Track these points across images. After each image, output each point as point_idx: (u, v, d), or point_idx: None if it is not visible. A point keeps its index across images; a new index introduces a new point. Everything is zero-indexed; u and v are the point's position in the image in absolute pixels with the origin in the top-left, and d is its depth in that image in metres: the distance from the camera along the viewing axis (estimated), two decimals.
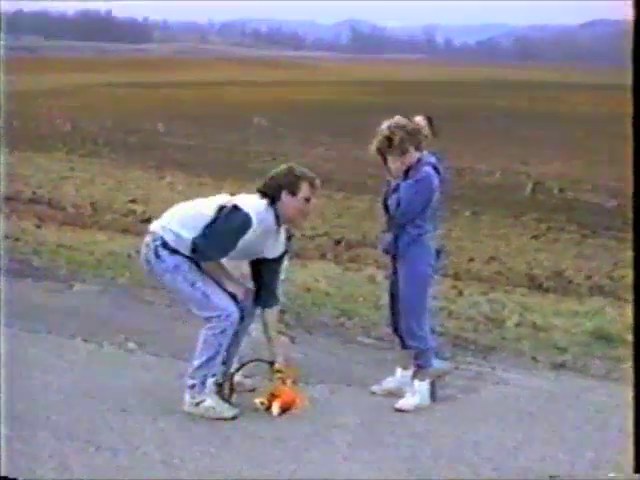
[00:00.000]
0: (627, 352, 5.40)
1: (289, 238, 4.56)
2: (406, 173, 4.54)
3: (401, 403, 4.58)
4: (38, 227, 9.38)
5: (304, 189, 4.34)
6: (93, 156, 17.44)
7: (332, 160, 17.30)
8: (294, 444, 4.10)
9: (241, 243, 4.29)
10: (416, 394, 4.60)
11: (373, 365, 5.18)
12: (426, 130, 4.55)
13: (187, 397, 4.41)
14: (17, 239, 8.41)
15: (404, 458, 4.01)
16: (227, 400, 4.46)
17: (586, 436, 4.32)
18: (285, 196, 4.33)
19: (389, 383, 4.77)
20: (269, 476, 3.81)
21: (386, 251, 4.69)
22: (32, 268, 7.35)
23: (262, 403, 4.45)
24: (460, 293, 7.06)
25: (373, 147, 4.54)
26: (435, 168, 4.55)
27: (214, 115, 26.37)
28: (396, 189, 4.55)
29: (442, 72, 63.01)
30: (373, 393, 4.74)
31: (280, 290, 4.64)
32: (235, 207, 4.30)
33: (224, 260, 4.45)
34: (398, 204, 4.51)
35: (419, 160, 4.53)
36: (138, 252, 4.65)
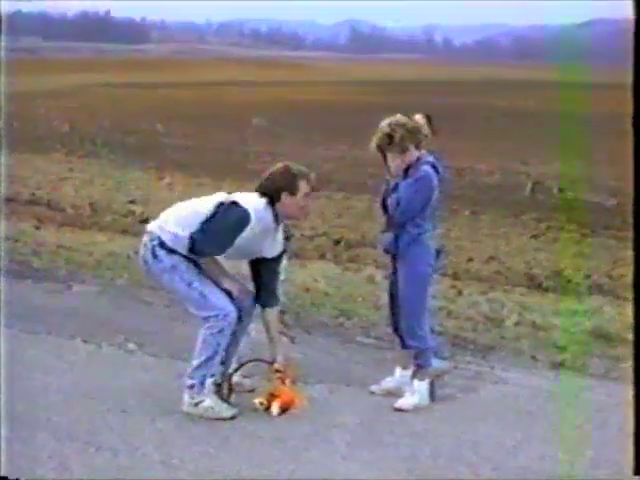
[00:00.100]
0: (626, 351, 5.41)
1: (287, 238, 4.57)
2: (405, 172, 4.54)
3: (400, 403, 4.58)
4: (37, 228, 9.38)
5: (302, 187, 4.36)
6: (92, 157, 17.42)
7: (331, 160, 17.29)
8: (293, 444, 4.11)
9: (239, 241, 4.29)
10: (415, 394, 4.61)
11: (372, 365, 5.19)
12: (426, 129, 4.56)
13: (186, 397, 4.41)
14: (16, 240, 8.41)
15: (403, 458, 4.01)
16: (226, 400, 4.46)
17: (585, 435, 4.33)
18: (285, 197, 4.34)
19: (388, 383, 4.77)
20: (268, 476, 3.82)
21: (386, 251, 4.70)
22: (31, 269, 7.36)
23: (261, 403, 4.45)
24: (459, 293, 7.06)
25: (373, 144, 4.55)
26: (434, 167, 4.55)
27: (213, 115, 26.35)
28: (395, 188, 4.55)
29: (441, 72, 63.01)
30: (372, 393, 4.75)
31: (280, 290, 4.64)
32: (234, 203, 4.31)
33: (225, 262, 4.46)
34: (398, 203, 4.51)
35: (418, 159, 4.54)
36: (137, 253, 4.65)
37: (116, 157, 17.13)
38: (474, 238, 10.39)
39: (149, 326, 5.84)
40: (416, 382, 4.63)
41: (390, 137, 4.49)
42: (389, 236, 4.63)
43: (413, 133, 4.51)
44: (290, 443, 4.11)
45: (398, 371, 4.79)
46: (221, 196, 4.40)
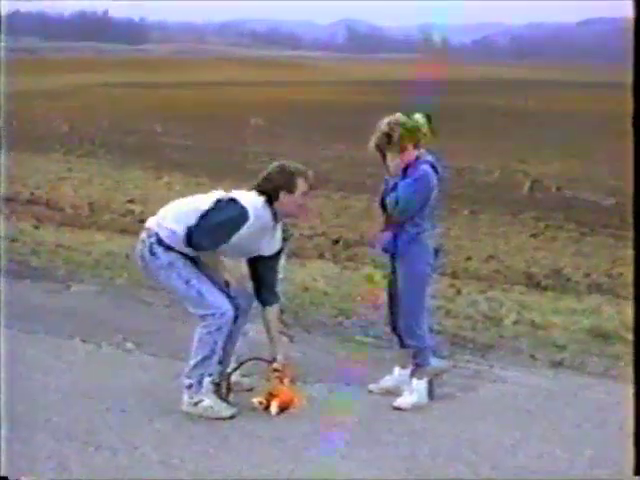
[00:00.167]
0: (625, 350, 5.42)
1: (285, 239, 4.56)
2: (404, 171, 4.54)
3: (399, 401, 4.58)
4: (36, 228, 9.39)
5: (300, 185, 4.36)
6: (91, 157, 17.44)
7: (330, 160, 17.32)
8: (292, 443, 4.11)
9: (237, 239, 4.29)
10: (414, 392, 4.61)
11: (371, 364, 5.18)
12: (425, 128, 4.56)
13: (185, 397, 4.41)
14: (15, 240, 8.42)
15: (402, 456, 4.01)
16: (225, 399, 4.46)
17: (584, 434, 4.33)
18: (284, 196, 4.34)
19: (387, 382, 4.77)
20: (268, 475, 3.82)
21: (385, 250, 4.70)
22: (30, 269, 7.36)
23: (260, 402, 4.45)
24: (458, 292, 7.07)
25: (372, 143, 4.55)
26: (433, 166, 4.56)
27: (212, 115, 26.36)
28: (394, 188, 4.55)
29: (439, 71, 62.97)
30: (371, 392, 4.75)
31: (279, 289, 4.65)
32: (232, 200, 4.31)
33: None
34: (397, 203, 4.51)
35: (417, 158, 4.54)
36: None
37: (115, 157, 17.16)
38: (473, 237, 10.42)
39: (148, 326, 5.85)
40: (415, 381, 4.63)
41: (389, 136, 4.49)
42: (388, 235, 4.63)
43: (412, 132, 4.51)
44: (289, 442, 4.11)
45: (397, 370, 4.79)
46: (219, 193, 4.41)
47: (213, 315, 4.34)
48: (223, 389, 4.49)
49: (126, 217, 10.62)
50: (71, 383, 4.77)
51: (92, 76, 45.28)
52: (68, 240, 8.70)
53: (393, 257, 4.66)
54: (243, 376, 4.68)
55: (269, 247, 4.46)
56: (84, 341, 5.47)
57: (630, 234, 7.91)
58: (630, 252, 6.73)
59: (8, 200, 11.14)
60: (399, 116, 4.55)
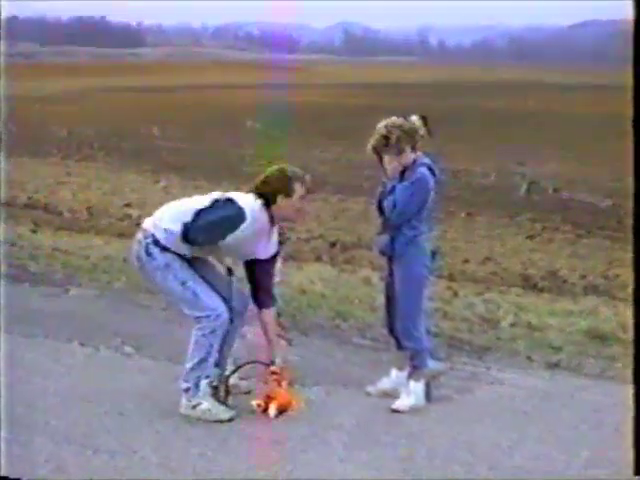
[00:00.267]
0: (621, 351, 5.44)
1: (281, 242, 4.58)
2: (402, 174, 4.56)
3: (397, 404, 4.59)
4: (34, 232, 9.40)
5: (298, 189, 4.38)
6: (89, 161, 17.46)
7: (327, 163, 17.35)
8: (291, 445, 4.12)
9: (234, 240, 4.30)
10: (411, 395, 4.62)
11: (369, 366, 5.20)
12: (422, 130, 4.58)
13: (183, 400, 4.42)
14: (13, 244, 8.42)
15: (400, 458, 4.02)
16: (223, 402, 4.47)
17: (581, 435, 4.34)
18: (281, 200, 4.36)
19: (384, 384, 4.78)
20: (266, 477, 3.83)
21: (382, 252, 4.71)
22: (28, 273, 7.36)
23: (258, 405, 4.46)
24: (455, 294, 7.08)
25: (370, 146, 4.57)
26: (430, 169, 4.57)
27: (209, 118, 26.38)
28: (392, 191, 4.57)
29: (437, 73, 63.07)
30: (368, 394, 4.76)
31: (276, 292, 4.66)
32: (230, 200, 4.33)
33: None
34: (394, 206, 4.53)
35: (414, 161, 4.55)
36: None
37: (112, 161, 17.17)
38: (470, 239, 10.45)
39: (146, 329, 5.85)
40: (412, 383, 4.65)
41: (386, 138, 4.50)
42: (385, 238, 4.65)
43: (409, 135, 4.53)
44: (288, 445, 4.12)
45: (394, 372, 4.79)
46: (217, 194, 4.43)
47: (208, 317, 4.36)
48: (221, 392, 4.50)
49: (124, 221, 10.64)
50: (70, 386, 4.78)
51: (89, 80, 45.29)
52: (66, 244, 8.71)
53: (390, 259, 4.68)
54: (241, 379, 4.69)
55: (265, 250, 4.48)
56: (83, 345, 5.48)
57: (627, 236, 7.96)
58: (627, 254, 6.78)
59: (6, 204, 11.16)
60: (396, 119, 4.57)
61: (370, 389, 4.79)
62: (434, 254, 4.71)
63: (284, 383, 4.50)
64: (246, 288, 4.59)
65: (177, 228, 4.31)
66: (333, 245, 9.64)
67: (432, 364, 4.76)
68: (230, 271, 4.42)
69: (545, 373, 5.23)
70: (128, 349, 5.43)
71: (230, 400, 4.51)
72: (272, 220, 4.41)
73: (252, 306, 4.61)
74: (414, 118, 4.59)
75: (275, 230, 4.49)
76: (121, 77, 49.73)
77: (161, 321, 6.01)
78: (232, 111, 28.58)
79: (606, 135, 20.61)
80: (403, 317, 4.63)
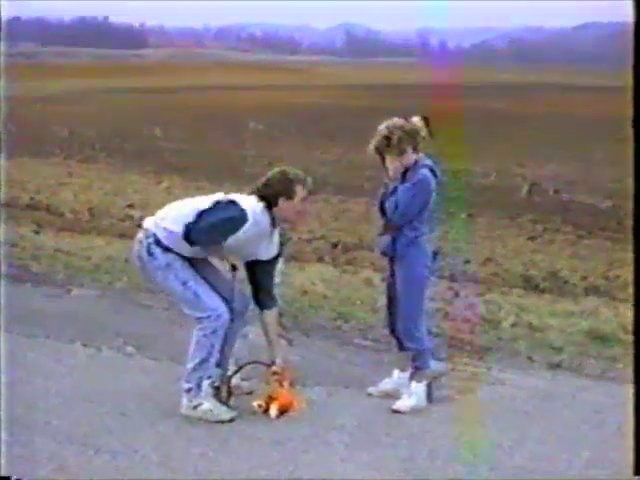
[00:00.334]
0: (622, 351, 5.45)
1: (283, 243, 4.59)
2: (403, 175, 4.57)
3: (398, 404, 4.60)
4: (36, 233, 9.41)
5: (299, 192, 4.39)
6: (91, 161, 17.47)
7: (328, 164, 17.35)
8: (292, 446, 4.12)
9: (235, 242, 4.31)
10: (413, 395, 4.63)
11: (370, 367, 5.21)
12: (424, 131, 4.59)
13: (185, 400, 4.43)
14: (15, 245, 8.44)
15: (401, 459, 4.03)
16: (225, 403, 4.48)
17: (582, 435, 4.34)
18: (283, 202, 4.37)
19: (386, 385, 4.79)
20: (267, 478, 3.83)
21: (384, 253, 4.72)
22: (30, 273, 7.38)
23: (260, 405, 4.47)
24: (456, 294, 7.09)
25: (371, 146, 4.57)
26: (432, 170, 4.58)
27: (211, 119, 26.40)
28: (393, 192, 4.58)
29: (438, 75, 63.06)
30: (370, 395, 4.77)
31: (276, 292, 4.67)
32: (232, 202, 4.34)
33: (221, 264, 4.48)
34: (396, 207, 4.54)
35: (416, 162, 4.56)
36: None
37: (114, 161, 17.18)
38: (471, 240, 10.44)
39: (148, 329, 5.86)
40: (413, 384, 4.65)
41: (388, 139, 4.51)
42: (386, 239, 4.66)
43: (411, 135, 4.54)
44: (289, 445, 4.13)
45: (396, 373, 4.81)
46: (219, 195, 4.44)
47: (209, 317, 4.36)
48: (223, 392, 4.51)
49: (125, 222, 10.64)
50: (71, 387, 4.79)
51: (91, 81, 45.32)
52: (68, 245, 8.72)
53: (392, 260, 4.69)
54: (243, 379, 4.70)
55: (267, 252, 4.49)
56: (84, 345, 5.49)
57: (627, 237, 7.97)
58: (628, 254, 6.78)
59: (8, 205, 11.17)
60: (397, 120, 4.58)
61: (371, 390, 4.80)
62: (435, 255, 4.72)
63: (286, 384, 4.51)
64: (247, 289, 4.60)
65: (179, 229, 4.32)
66: (335, 246, 9.64)
67: (433, 365, 4.76)
68: (234, 267, 4.42)
69: (546, 373, 5.23)
70: (130, 349, 5.44)
71: (232, 400, 4.52)
72: (273, 222, 4.43)
73: (253, 306, 4.63)
74: (415, 119, 4.60)
75: (276, 232, 4.50)
76: (123, 78, 49.75)
77: (163, 321, 6.02)
78: (234, 112, 28.59)
79: (606, 136, 20.61)
80: (405, 318, 4.64)
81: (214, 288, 4.44)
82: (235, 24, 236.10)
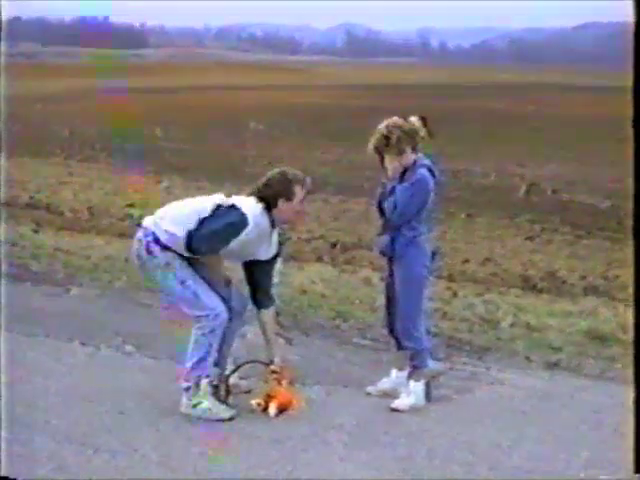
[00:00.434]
0: (621, 351, 5.46)
1: (281, 243, 4.60)
2: (402, 175, 4.58)
3: (396, 403, 4.61)
4: (36, 232, 9.41)
5: (298, 192, 4.41)
6: (91, 161, 17.47)
7: (328, 164, 17.36)
8: (291, 445, 4.13)
9: (235, 244, 4.33)
10: (411, 394, 4.64)
11: (369, 366, 5.22)
12: (422, 131, 4.60)
13: (184, 399, 4.44)
14: (15, 244, 8.45)
15: (400, 458, 4.04)
16: (224, 401, 4.49)
17: (580, 435, 4.35)
18: (282, 203, 4.38)
19: (384, 384, 4.80)
20: (266, 477, 3.84)
21: (382, 253, 4.73)
22: (30, 272, 7.39)
23: (259, 404, 4.48)
24: (455, 294, 7.10)
25: (371, 146, 4.59)
26: (430, 170, 4.59)
27: (211, 119, 26.40)
28: (392, 192, 4.59)
29: (437, 75, 63.09)
30: (368, 394, 4.78)
31: (274, 292, 4.68)
32: (233, 206, 4.34)
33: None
34: (395, 207, 4.55)
35: (415, 162, 4.57)
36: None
37: (115, 161, 17.17)
38: (469, 240, 10.45)
39: (147, 328, 5.87)
40: (412, 383, 4.66)
41: (387, 138, 4.52)
42: (385, 239, 4.67)
43: (410, 135, 4.55)
44: (288, 444, 4.14)
45: (394, 372, 4.81)
46: (219, 198, 4.44)
47: (207, 317, 4.37)
48: (222, 391, 4.53)
49: (125, 221, 10.65)
50: (71, 386, 4.80)
51: (92, 81, 45.30)
52: (68, 244, 8.73)
53: (390, 260, 4.70)
54: (241, 378, 4.71)
55: (266, 252, 4.50)
56: (84, 344, 5.50)
57: (626, 237, 7.98)
58: (627, 255, 6.79)
59: (8, 204, 11.18)
60: (397, 119, 4.59)
61: (370, 389, 4.81)
62: (434, 255, 4.73)
63: (284, 382, 4.52)
64: (245, 288, 4.61)
65: (179, 230, 4.32)
66: (334, 245, 9.65)
67: (432, 364, 4.77)
68: (229, 282, 4.45)
69: (544, 373, 5.24)
70: (129, 348, 5.45)
71: (230, 399, 4.53)
72: (273, 223, 4.44)
73: (251, 306, 4.64)
74: (413, 119, 4.62)
75: (275, 232, 4.51)
76: (124, 78, 49.73)
77: (162, 320, 6.02)
78: (235, 112, 28.59)
79: (606, 136, 20.62)
80: (403, 317, 4.65)
81: (213, 287, 4.44)
82: (236, 24, 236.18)
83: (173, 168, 16.47)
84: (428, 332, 4.86)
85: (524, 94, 39.29)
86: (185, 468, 3.88)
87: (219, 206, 4.36)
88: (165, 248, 4.35)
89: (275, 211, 4.40)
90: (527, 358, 5.47)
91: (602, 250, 10.07)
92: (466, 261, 9.02)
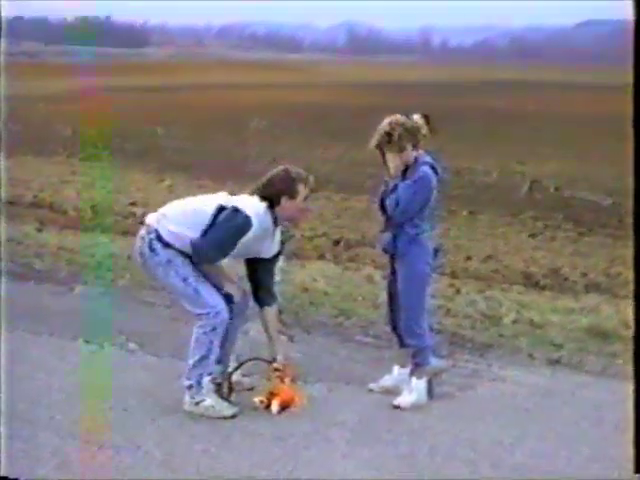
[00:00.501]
0: (622, 348, 5.47)
1: (283, 241, 4.61)
2: (403, 173, 4.59)
3: (399, 400, 4.63)
4: (39, 230, 9.43)
5: (302, 190, 4.41)
6: (93, 160, 17.47)
7: (330, 161, 17.34)
8: (293, 442, 4.15)
9: (239, 243, 4.34)
10: (413, 392, 4.65)
11: (371, 363, 5.23)
12: (425, 129, 4.61)
13: (187, 397, 4.46)
14: (19, 243, 8.46)
15: (402, 455, 4.05)
16: (226, 399, 4.51)
17: (582, 432, 4.36)
18: (285, 201, 4.39)
19: (386, 381, 4.82)
20: (269, 474, 3.86)
21: (385, 250, 4.74)
22: (34, 271, 7.41)
23: (261, 402, 4.50)
24: (457, 291, 7.10)
25: (373, 142, 4.60)
26: (433, 168, 4.60)
27: (213, 118, 26.39)
28: (394, 189, 4.60)
29: (439, 73, 63.04)
30: (371, 391, 4.80)
31: (276, 290, 4.69)
32: (235, 209, 4.35)
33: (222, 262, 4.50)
34: (397, 204, 4.56)
35: (416, 159, 4.58)
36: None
37: (117, 160, 17.17)
38: (472, 237, 10.45)
39: (150, 326, 5.89)
40: (414, 380, 4.68)
41: (389, 135, 4.53)
42: (387, 236, 4.68)
43: (411, 133, 4.56)
44: (290, 441, 4.15)
45: (396, 369, 4.83)
46: (222, 198, 4.44)
47: (208, 315, 4.38)
48: (225, 389, 4.54)
49: (128, 219, 10.65)
50: (74, 383, 4.81)
51: (94, 80, 45.31)
52: (71, 242, 8.74)
53: (393, 257, 4.71)
54: (244, 376, 4.73)
55: (269, 250, 4.51)
56: (87, 342, 5.52)
57: (628, 234, 7.97)
58: (628, 252, 6.79)
59: (11, 203, 11.19)
60: (399, 117, 4.61)
61: (372, 386, 4.82)
62: (436, 252, 4.74)
63: (287, 380, 4.53)
64: (247, 286, 4.63)
65: (181, 230, 4.34)
66: (336, 243, 9.66)
67: (434, 361, 4.78)
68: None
69: (546, 370, 5.25)
70: (132, 346, 5.47)
71: (233, 397, 4.55)
72: (276, 221, 4.45)
73: (254, 303, 4.65)
74: (416, 117, 4.63)
75: (278, 230, 4.53)
76: (126, 77, 49.72)
77: (165, 318, 6.04)
78: (236, 111, 28.58)
79: (607, 134, 20.60)
80: (406, 315, 4.66)
81: (215, 285, 4.46)
82: (237, 23, 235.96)
83: (175, 167, 16.47)
84: (430, 329, 4.87)
85: (525, 92, 39.24)
86: (188, 465, 3.89)
87: (222, 208, 4.35)
88: (167, 245, 4.37)
89: (278, 209, 4.41)
90: (529, 355, 5.48)
91: (604, 247, 10.07)
92: (469, 258, 9.03)
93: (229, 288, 4.46)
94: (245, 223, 4.29)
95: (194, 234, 4.32)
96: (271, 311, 4.61)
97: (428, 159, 4.62)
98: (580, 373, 5.23)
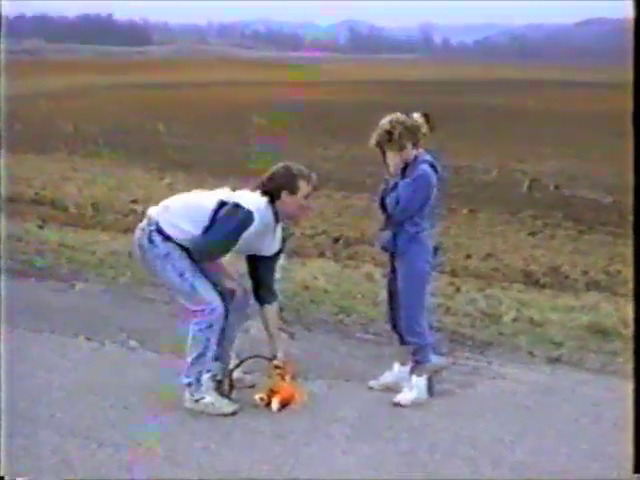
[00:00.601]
0: (623, 346, 5.47)
1: (284, 239, 4.61)
2: (403, 171, 4.60)
3: (399, 398, 4.63)
4: (40, 227, 9.45)
5: (303, 187, 4.41)
6: (94, 157, 17.48)
7: (331, 159, 17.36)
8: (294, 439, 4.16)
9: (241, 239, 4.35)
10: (414, 389, 4.66)
11: (371, 361, 5.24)
12: (425, 128, 4.62)
13: (187, 394, 4.46)
14: (20, 239, 8.48)
15: (402, 452, 4.06)
16: (227, 396, 4.51)
17: (582, 429, 4.37)
18: (286, 196, 4.39)
19: (387, 378, 4.83)
20: (269, 470, 3.86)
21: (385, 249, 4.75)
22: (35, 268, 7.41)
23: (262, 399, 4.51)
24: (457, 289, 7.11)
25: (373, 141, 4.61)
26: (433, 166, 4.61)
27: (214, 115, 26.40)
28: (394, 187, 4.60)
29: (440, 71, 63.01)
30: (371, 388, 4.80)
31: (277, 287, 4.70)
32: (237, 204, 4.35)
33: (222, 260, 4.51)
34: (397, 202, 4.56)
35: (416, 158, 4.59)
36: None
37: (118, 157, 17.19)
38: (472, 235, 10.46)
39: (151, 323, 5.90)
40: (414, 378, 4.69)
41: (389, 134, 4.54)
42: (387, 234, 4.69)
43: (411, 131, 4.57)
44: (291, 438, 4.16)
45: (396, 367, 4.84)
46: (223, 193, 4.44)
47: (203, 312, 4.39)
48: (225, 386, 4.55)
49: (129, 217, 10.66)
50: (75, 380, 4.83)
51: (95, 77, 45.31)
52: (72, 240, 8.75)
53: (393, 256, 4.72)
54: (245, 373, 4.73)
55: (270, 247, 4.52)
56: (88, 339, 5.53)
57: (628, 232, 7.98)
58: (628, 250, 6.79)
59: (12, 200, 11.20)
60: (400, 115, 4.62)
61: (373, 383, 4.83)
62: (436, 250, 4.75)
63: (287, 377, 4.54)
64: (248, 284, 4.63)
65: (181, 224, 4.34)
66: (336, 241, 9.67)
67: (434, 359, 4.79)
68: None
69: (546, 368, 5.26)
70: (133, 343, 5.48)
71: (234, 394, 4.56)
72: (276, 217, 4.45)
73: (254, 301, 4.66)
74: (416, 115, 4.64)
75: (279, 227, 4.53)
76: (127, 74, 49.72)
77: (165, 315, 6.04)
78: (237, 108, 28.58)
79: (606, 132, 20.61)
80: (406, 313, 4.67)
81: (212, 281, 4.46)
82: (239, 21, 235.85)
83: (176, 164, 16.48)
84: (431, 327, 4.88)
85: (525, 91, 39.22)
86: (188, 462, 3.90)
87: (223, 203, 4.36)
88: (167, 238, 4.37)
89: (278, 203, 4.40)
90: (529, 353, 5.49)
91: (604, 245, 10.07)
92: (468, 256, 9.04)
93: (230, 285, 4.47)
94: (247, 218, 4.30)
95: (195, 228, 4.33)
96: (272, 309, 4.62)
97: (428, 157, 4.63)
98: (580, 371, 5.24)
